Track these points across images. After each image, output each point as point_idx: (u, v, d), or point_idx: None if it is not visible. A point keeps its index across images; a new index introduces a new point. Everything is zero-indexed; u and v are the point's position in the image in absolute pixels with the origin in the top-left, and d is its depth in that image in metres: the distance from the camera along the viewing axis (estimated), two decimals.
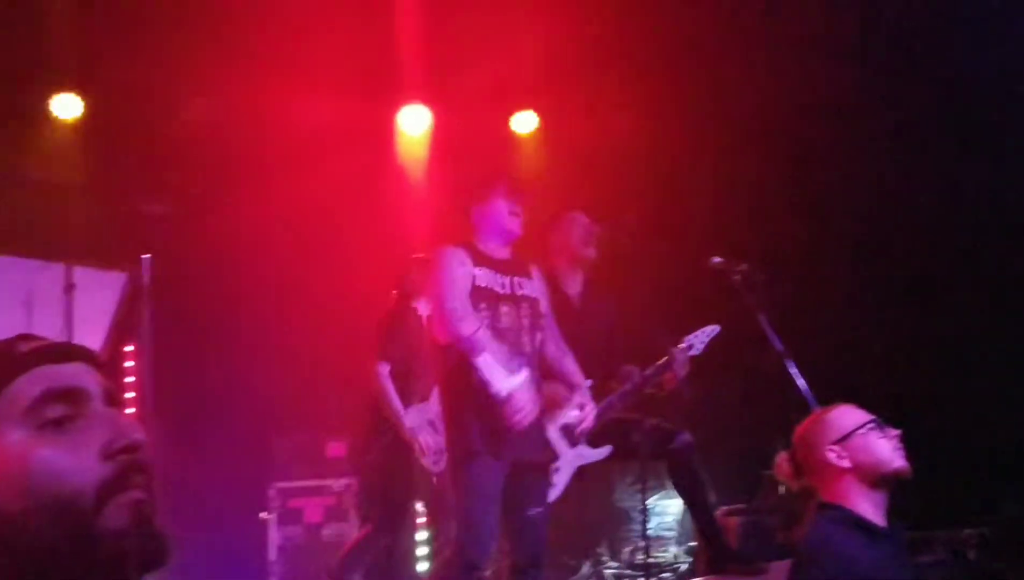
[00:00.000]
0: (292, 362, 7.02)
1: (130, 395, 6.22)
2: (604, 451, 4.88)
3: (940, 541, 6.05)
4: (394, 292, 5.68)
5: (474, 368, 3.98)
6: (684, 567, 6.46)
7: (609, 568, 6.59)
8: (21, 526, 1.16)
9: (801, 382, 5.21)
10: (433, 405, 5.25)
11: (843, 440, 2.81)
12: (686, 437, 4.98)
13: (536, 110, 7.49)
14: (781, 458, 2.95)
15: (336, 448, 6.76)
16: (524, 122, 7.59)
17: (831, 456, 2.81)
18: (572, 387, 4.48)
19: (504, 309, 4.18)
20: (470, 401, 4.07)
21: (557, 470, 4.81)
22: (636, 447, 4.51)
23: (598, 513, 6.74)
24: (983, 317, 6.97)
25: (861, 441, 2.81)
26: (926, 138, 6.78)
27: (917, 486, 6.12)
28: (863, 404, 3.01)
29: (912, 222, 6.94)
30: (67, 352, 1.28)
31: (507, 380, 3.98)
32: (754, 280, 5.26)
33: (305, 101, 6.63)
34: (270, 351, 6.94)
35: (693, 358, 5.01)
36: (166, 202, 5.11)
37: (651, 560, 6.44)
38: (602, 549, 6.73)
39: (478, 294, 4.14)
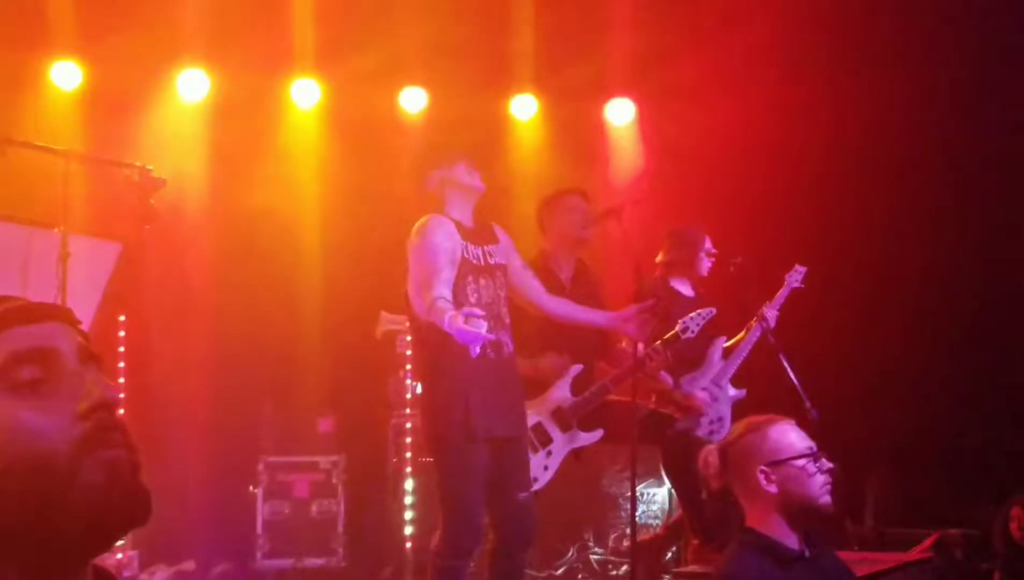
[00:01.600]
0: (285, 337, 7.02)
1: (121, 366, 6.21)
2: (596, 434, 4.88)
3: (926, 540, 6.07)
4: None
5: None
6: (669, 556, 6.48)
7: (595, 554, 6.60)
8: None
9: (792, 375, 5.25)
10: None
11: (777, 464, 2.70)
12: (682, 424, 5.00)
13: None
14: (708, 451, 2.84)
15: (326, 424, 6.77)
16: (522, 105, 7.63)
17: (760, 477, 2.69)
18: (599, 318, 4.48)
19: (483, 281, 4.14)
20: (443, 384, 4.05)
21: (550, 454, 4.81)
22: (628, 432, 4.49)
23: (585, 499, 6.75)
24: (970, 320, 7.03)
25: (794, 470, 2.69)
26: None
27: (904, 487, 6.15)
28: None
29: None
30: (38, 312, 1.24)
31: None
32: (748, 272, 5.29)
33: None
34: (264, 325, 6.94)
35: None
36: (164, 173, 5.10)
37: (637, 547, 6.46)
38: (588, 535, 6.74)
39: (464, 267, 4.08)
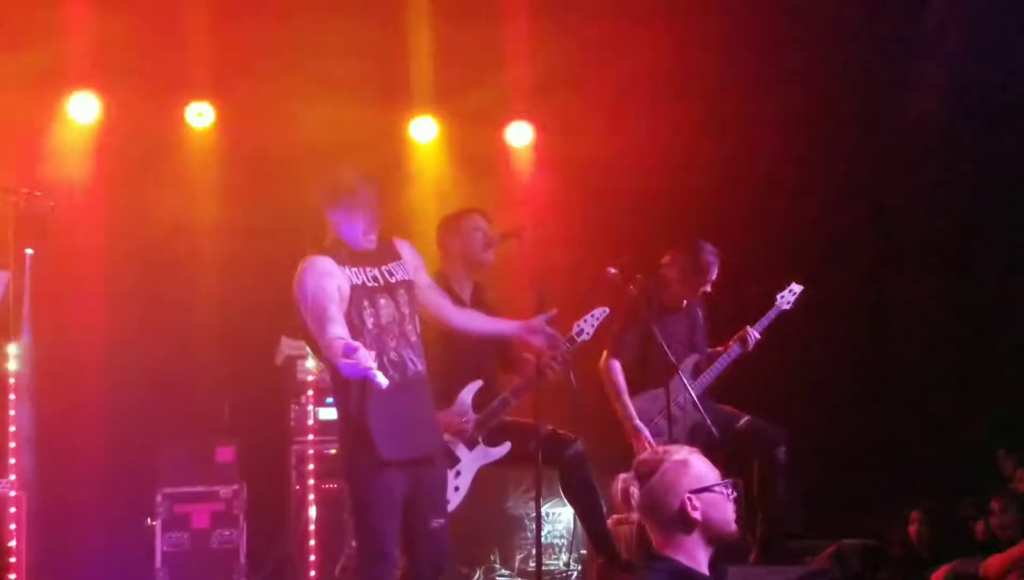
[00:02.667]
0: (182, 365, 6.89)
1: (12, 398, 6.01)
2: (504, 448, 4.88)
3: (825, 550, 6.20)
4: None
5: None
6: (575, 575, 6.51)
7: (501, 576, 6.60)
8: None
9: (690, 393, 5.32)
10: None
11: (701, 492, 2.81)
12: (579, 446, 5.02)
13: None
14: (627, 480, 2.91)
15: (225, 453, 6.64)
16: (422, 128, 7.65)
17: (687, 505, 2.79)
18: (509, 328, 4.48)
19: (382, 302, 4.10)
20: (349, 411, 4.01)
21: (459, 473, 4.80)
22: (531, 453, 4.50)
23: (490, 520, 6.74)
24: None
25: (716, 498, 2.81)
26: None
27: (808, 498, 6.28)
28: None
29: None
30: None
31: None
32: (648, 289, 5.35)
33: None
34: (160, 353, 6.80)
35: (583, 344, 5.00)
36: (52, 198, 4.98)
37: (542, 568, 6.47)
38: (494, 556, 6.74)
39: (356, 293, 4.04)
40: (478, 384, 4.90)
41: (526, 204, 7.55)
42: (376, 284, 4.12)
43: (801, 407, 7.01)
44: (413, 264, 4.31)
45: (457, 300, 4.89)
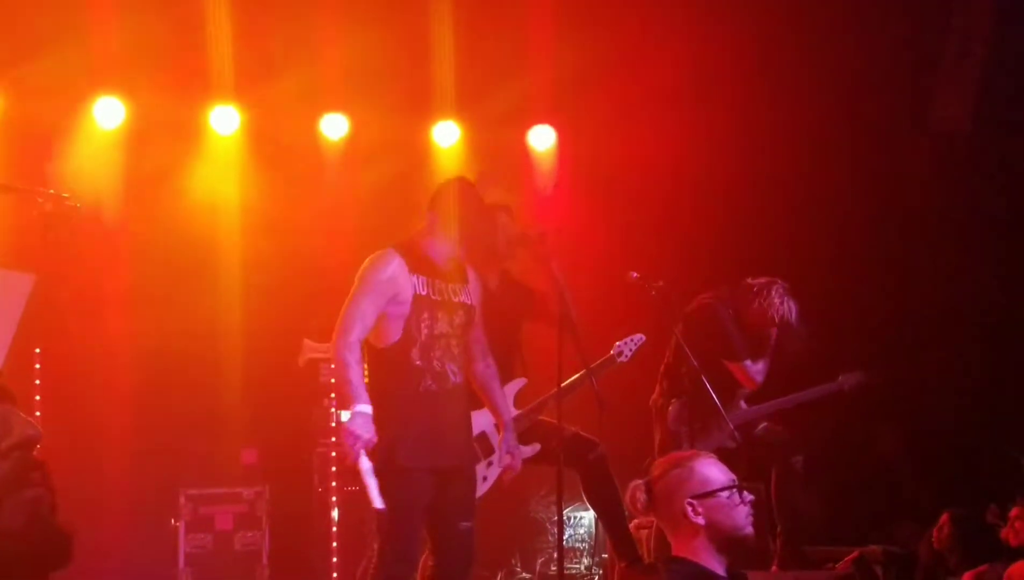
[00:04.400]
0: (206, 368, 6.93)
1: (38, 399, 6.08)
2: (534, 448, 4.90)
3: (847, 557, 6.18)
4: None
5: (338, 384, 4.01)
6: (597, 579, 6.51)
7: (522, 579, 6.62)
8: None
9: (716, 399, 5.28)
10: None
11: (704, 497, 2.82)
12: (601, 450, 5.02)
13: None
14: (636, 487, 2.94)
15: (249, 455, 6.68)
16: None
17: (688, 510, 2.82)
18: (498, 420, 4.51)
19: (439, 315, 4.16)
20: (385, 415, 4.03)
21: (490, 464, 4.84)
22: (553, 453, 4.51)
23: (512, 524, 6.76)
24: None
25: (721, 503, 2.82)
26: None
27: (825, 505, 6.25)
28: None
29: None
30: None
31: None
32: (669, 295, 5.34)
33: None
34: (184, 355, 6.84)
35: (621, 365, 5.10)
36: (77, 199, 5.01)
37: (565, 571, 6.48)
38: (515, 560, 6.75)
39: (418, 303, 4.11)
40: (522, 382, 4.95)
41: (550, 208, 7.56)
42: (440, 298, 4.18)
43: (828, 413, 6.99)
44: (477, 295, 4.37)
45: (484, 288, 4.95)
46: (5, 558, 1.12)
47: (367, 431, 3.91)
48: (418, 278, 4.14)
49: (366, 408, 3.95)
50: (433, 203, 4.30)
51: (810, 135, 7.22)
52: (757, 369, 5.54)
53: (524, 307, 5.11)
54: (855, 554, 5.91)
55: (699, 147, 7.18)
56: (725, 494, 2.83)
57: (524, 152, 7.84)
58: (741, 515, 2.83)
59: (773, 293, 5.53)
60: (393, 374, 4.10)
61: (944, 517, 6.09)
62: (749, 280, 5.66)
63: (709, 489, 2.83)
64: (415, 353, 4.08)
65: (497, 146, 7.75)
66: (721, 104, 7.18)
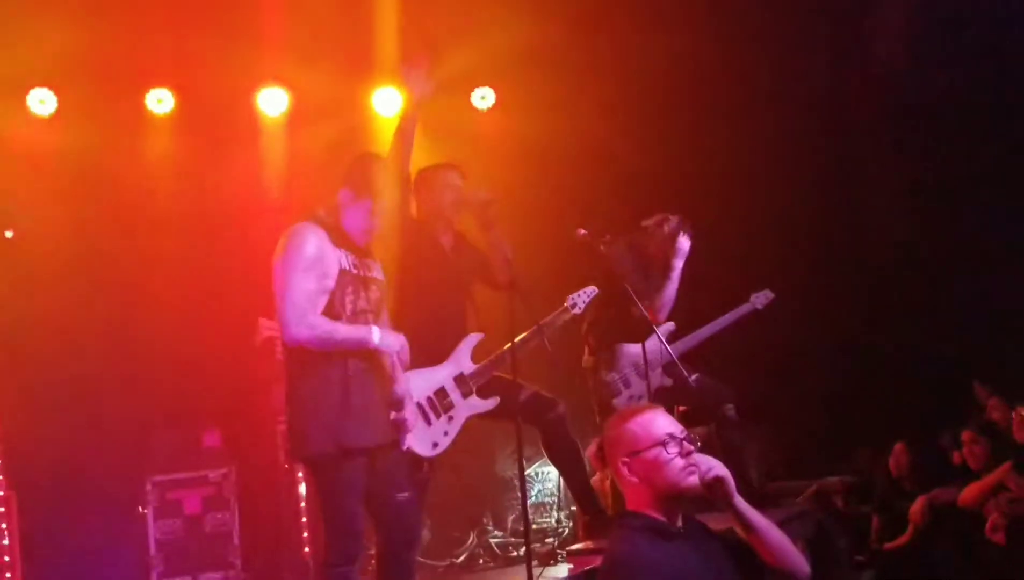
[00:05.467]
0: (162, 352, 6.90)
1: None
2: (492, 402, 4.93)
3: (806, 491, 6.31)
4: None
5: (340, 343, 3.94)
6: (566, 532, 6.60)
7: (494, 537, 6.69)
8: None
9: (668, 350, 5.37)
10: None
11: (634, 455, 2.82)
12: (560, 409, 5.07)
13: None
14: (592, 447, 3.00)
15: (212, 437, 6.68)
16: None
17: (623, 470, 2.84)
18: None
19: (361, 292, 4.09)
20: (309, 401, 3.99)
21: (451, 419, 4.85)
22: (514, 412, 4.56)
23: (480, 484, 6.83)
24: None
25: (649, 460, 2.80)
26: None
27: (785, 441, 6.35)
28: None
29: None
30: None
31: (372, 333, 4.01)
32: (619, 248, 5.42)
33: None
34: (140, 342, 6.82)
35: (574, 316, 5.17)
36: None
37: (533, 526, 6.56)
38: (487, 518, 6.82)
39: (343, 278, 4.03)
40: (479, 336, 4.99)
41: (493, 170, 7.57)
42: (359, 273, 4.12)
43: (779, 351, 7.12)
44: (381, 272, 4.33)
45: (439, 248, 4.98)
46: None
47: (396, 342, 4.08)
48: (343, 253, 4.06)
49: (377, 332, 4.00)
50: (347, 178, 4.18)
51: (749, 106, 7.35)
52: (662, 303, 5.76)
53: (476, 268, 5.12)
54: (813, 488, 6.05)
55: (644, 113, 7.31)
56: (653, 451, 2.80)
57: (468, 117, 7.84)
58: (674, 470, 2.79)
59: (665, 227, 5.84)
60: (303, 368, 3.96)
61: (899, 445, 6.24)
62: (643, 222, 5.93)
63: (637, 448, 2.81)
64: None
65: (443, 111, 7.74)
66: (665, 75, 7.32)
